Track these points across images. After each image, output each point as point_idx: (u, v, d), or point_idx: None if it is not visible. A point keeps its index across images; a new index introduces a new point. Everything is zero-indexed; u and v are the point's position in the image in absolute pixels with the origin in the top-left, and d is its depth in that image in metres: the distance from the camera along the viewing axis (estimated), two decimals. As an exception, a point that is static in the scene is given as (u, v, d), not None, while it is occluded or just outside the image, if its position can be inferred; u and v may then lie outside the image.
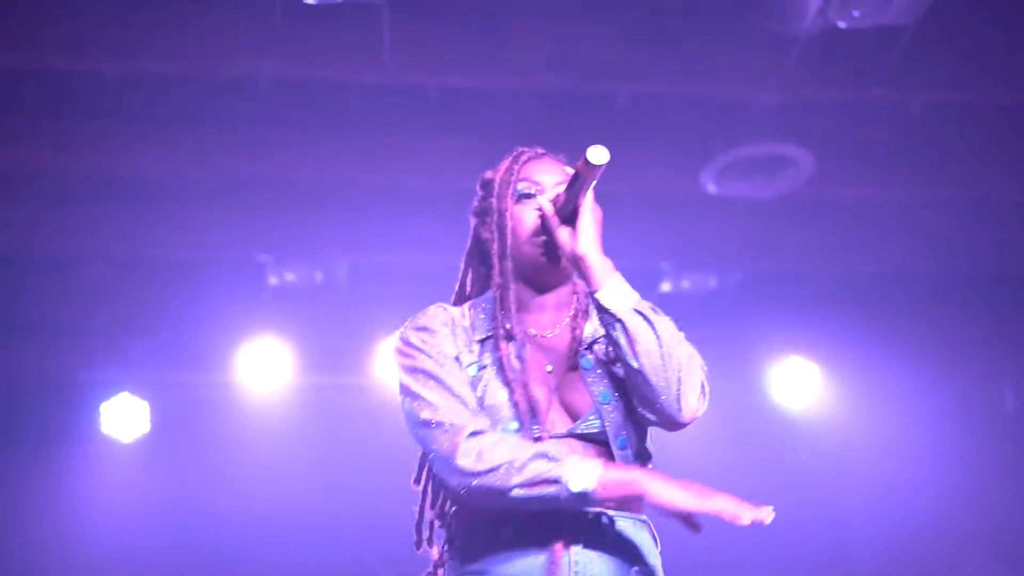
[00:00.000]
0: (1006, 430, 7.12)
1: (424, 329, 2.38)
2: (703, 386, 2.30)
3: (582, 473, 2.20)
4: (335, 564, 6.74)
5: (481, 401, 2.31)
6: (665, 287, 6.37)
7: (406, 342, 2.38)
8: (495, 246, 2.39)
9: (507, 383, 2.32)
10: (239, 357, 6.72)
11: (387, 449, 6.74)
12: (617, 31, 5.20)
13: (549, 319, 2.41)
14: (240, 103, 5.32)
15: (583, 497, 2.20)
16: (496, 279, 2.39)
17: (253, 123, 5.42)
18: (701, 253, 6.31)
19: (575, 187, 2.30)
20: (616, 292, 2.28)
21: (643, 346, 2.25)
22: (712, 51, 5.20)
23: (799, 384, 7.06)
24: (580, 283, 2.43)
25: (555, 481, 2.20)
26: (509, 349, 2.34)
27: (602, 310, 2.28)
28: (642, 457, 2.35)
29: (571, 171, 2.36)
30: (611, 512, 2.30)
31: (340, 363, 6.69)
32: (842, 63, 5.32)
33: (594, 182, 2.29)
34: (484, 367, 2.34)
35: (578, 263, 2.31)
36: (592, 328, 2.41)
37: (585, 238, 2.30)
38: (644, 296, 2.36)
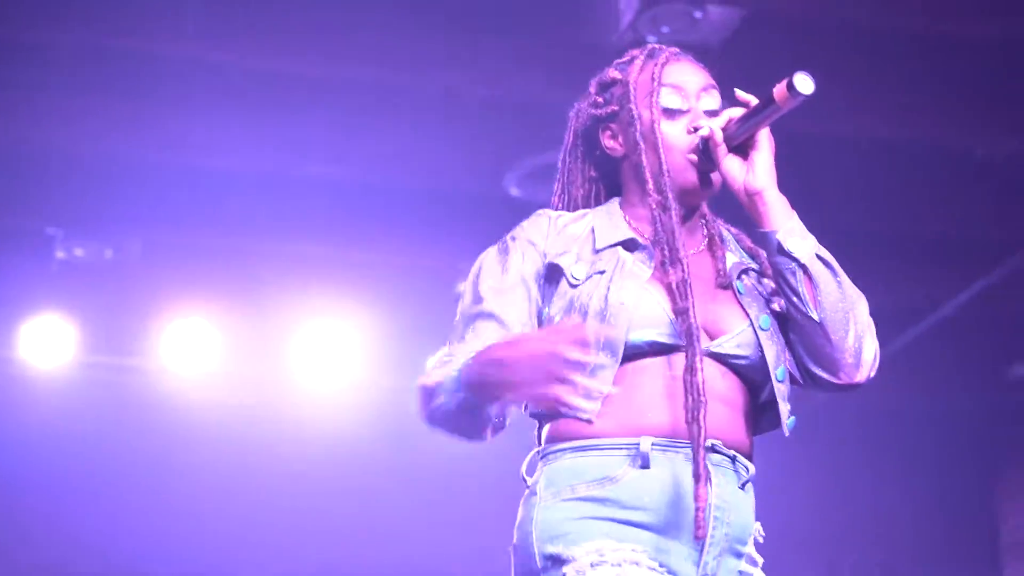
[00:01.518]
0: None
1: (504, 251, 2.20)
2: (876, 348, 2.14)
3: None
4: (111, 543, 6.70)
5: (604, 306, 2.06)
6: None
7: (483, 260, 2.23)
8: (646, 160, 2.16)
9: (646, 287, 2.10)
10: (21, 332, 6.51)
11: (167, 432, 6.76)
12: (431, 26, 5.16)
13: (686, 241, 2.17)
14: (32, 71, 5.13)
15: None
16: (654, 196, 2.14)
17: (45, 92, 5.24)
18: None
19: (759, 115, 2.13)
20: (798, 234, 2.11)
21: (826, 296, 2.10)
22: (520, 56, 5.19)
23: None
24: (709, 213, 2.28)
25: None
26: (679, 258, 2.10)
27: (782, 252, 2.10)
28: (792, 406, 2.14)
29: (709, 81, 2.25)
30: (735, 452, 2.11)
31: (126, 344, 6.54)
32: None
33: (776, 113, 2.12)
34: (602, 272, 2.11)
35: (752, 198, 2.13)
36: (736, 258, 2.22)
37: (763, 171, 2.13)
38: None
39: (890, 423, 7.17)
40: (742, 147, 2.14)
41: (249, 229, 5.96)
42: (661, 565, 2.00)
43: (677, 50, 2.27)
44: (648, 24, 4.88)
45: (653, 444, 2.02)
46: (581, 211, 2.25)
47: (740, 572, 2.08)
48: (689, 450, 2.00)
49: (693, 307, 2.04)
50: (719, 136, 2.13)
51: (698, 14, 4.83)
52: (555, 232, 2.18)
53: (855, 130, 5.56)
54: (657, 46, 2.28)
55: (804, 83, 2.04)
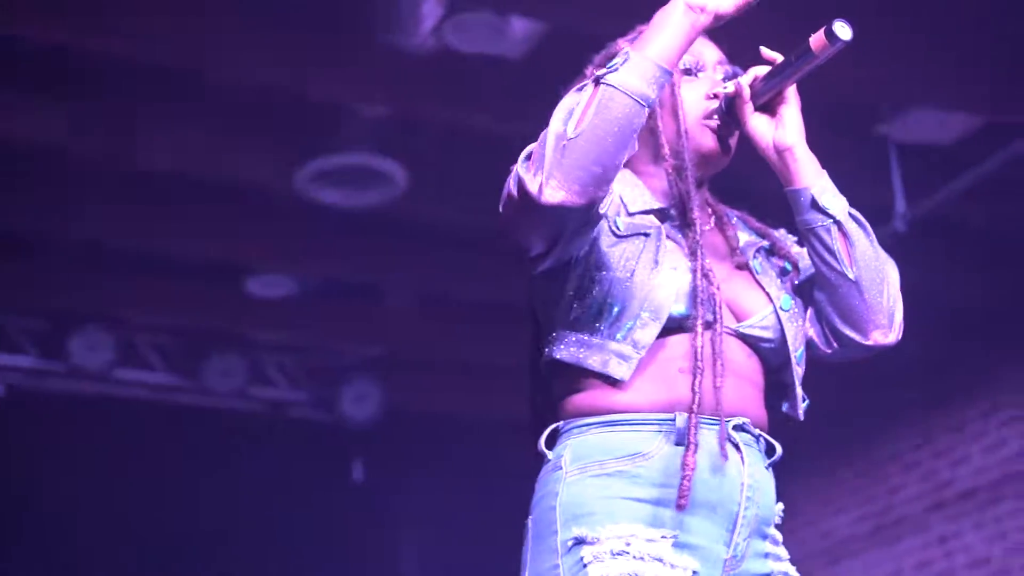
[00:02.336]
0: None
1: None
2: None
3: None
4: None
5: (654, 266, 1.97)
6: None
7: None
8: (662, 123, 2.05)
9: (675, 266, 1.99)
10: None
11: None
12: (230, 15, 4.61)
13: (701, 214, 2.09)
14: None
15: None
16: (670, 161, 2.05)
17: None
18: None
19: (791, 68, 2.03)
20: (831, 191, 2.03)
21: (861, 252, 2.02)
22: (316, 53, 4.66)
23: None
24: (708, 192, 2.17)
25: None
26: (696, 234, 2.01)
27: (816, 208, 2.02)
28: (807, 388, 2.09)
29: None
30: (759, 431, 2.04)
31: None
32: (451, 86, 4.85)
33: (820, 64, 2.00)
34: (645, 235, 1.99)
35: (782, 155, 2.04)
36: (747, 237, 2.15)
37: (792, 127, 2.04)
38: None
39: None
40: (768, 105, 2.06)
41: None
42: (689, 549, 1.92)
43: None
44: (451, 31, 4.91)
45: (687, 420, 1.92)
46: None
47: (766, 554, 2.02)
48: (716, 428, 1.94)
49: (711, 288, 1.98)
50: (747, 93, 2.05)
51: (501, 26, 4.92)
52: None
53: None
54: None
55: (843, 30, 1.96)
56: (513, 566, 2.02)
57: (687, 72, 2.12)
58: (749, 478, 1.99)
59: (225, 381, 6.92)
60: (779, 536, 2.07)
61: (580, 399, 2.01)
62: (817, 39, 1.98)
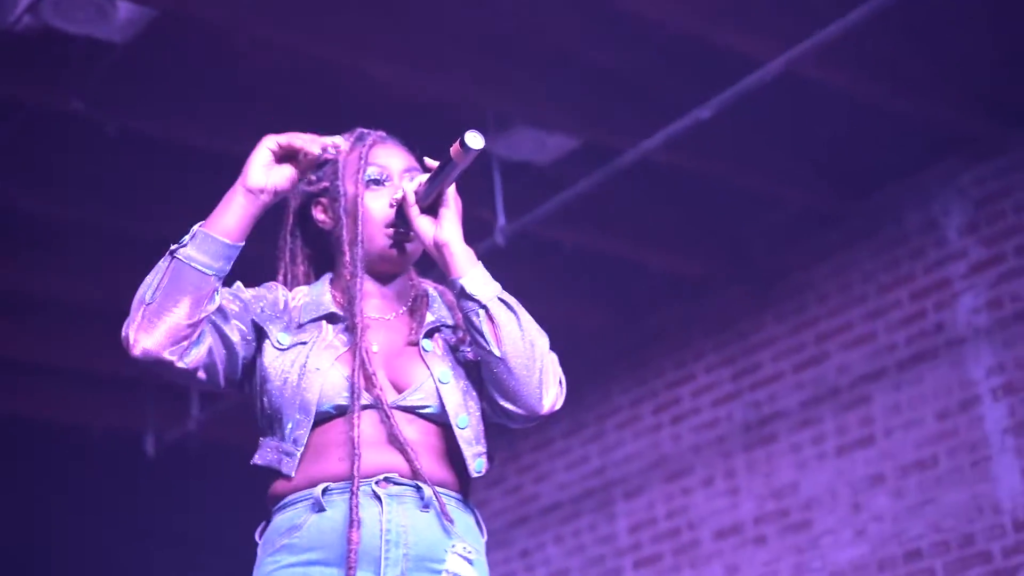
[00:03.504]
0: None
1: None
2: (561, 379, 2.33)
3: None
4: None
5: (302, 372, 2.28)
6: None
7: None
8: (345, 233, 2.35)
9: (340, 359, 2.29)
10: None
11: None
12: None
13: (387, 305, 2.40)
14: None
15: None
16: (347, 267, 2.34)
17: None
18: None
19: (443, 173, 2.27)
20: (480, 280, 2.26)
21: (507, 334, 2.24)
22: None
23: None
24: (416, 276, 2.48)
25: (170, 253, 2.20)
26: (356, 329, 2.30)
27: (465, 296, 2.26)
28: (482, 444, 2.35)
29: (410, 157, 2.41)
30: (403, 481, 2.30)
31: None
32: (46, 68, 4.70)
33: (460, 172, 2.25)
34: (304, 343, 2.32)
35: (440, 250, 2.28)
36: (433, 317, 2.40)
37: (449, 226, 2.27)
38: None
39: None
40: (432, 207, 2.28)
41: None
42: None
43: (384, 134, 2.44)
44: (51, 11, 4.68)
45: (325, 489, 2.23)
46: (301, 288, 2.42)
47: None
48: (364, 488, 2.22)
49: (360, 371, 2.24)
50: (411, 198, 2.29)
51: (107, 8, 4.74)
52: (272, 297, 2.38)
53: None
54: (365, 131, 2.43)
55: (474, 140, 2.19)
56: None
57: (375, 182, 2.38)
58: (388, 523, 2.24)
59: None
60: (461, 566, 2.29)
61: (270, 492, 2.33)
62: (455, 148, 2.22)
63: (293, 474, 2.28)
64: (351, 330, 2.32)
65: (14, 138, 5.29)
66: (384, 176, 2.39)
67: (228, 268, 2.23)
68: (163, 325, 2.17)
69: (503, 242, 5.28)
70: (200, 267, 2.19)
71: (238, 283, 2.38)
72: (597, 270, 6.71)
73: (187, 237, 2.20)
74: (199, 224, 2.22)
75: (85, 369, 7.00)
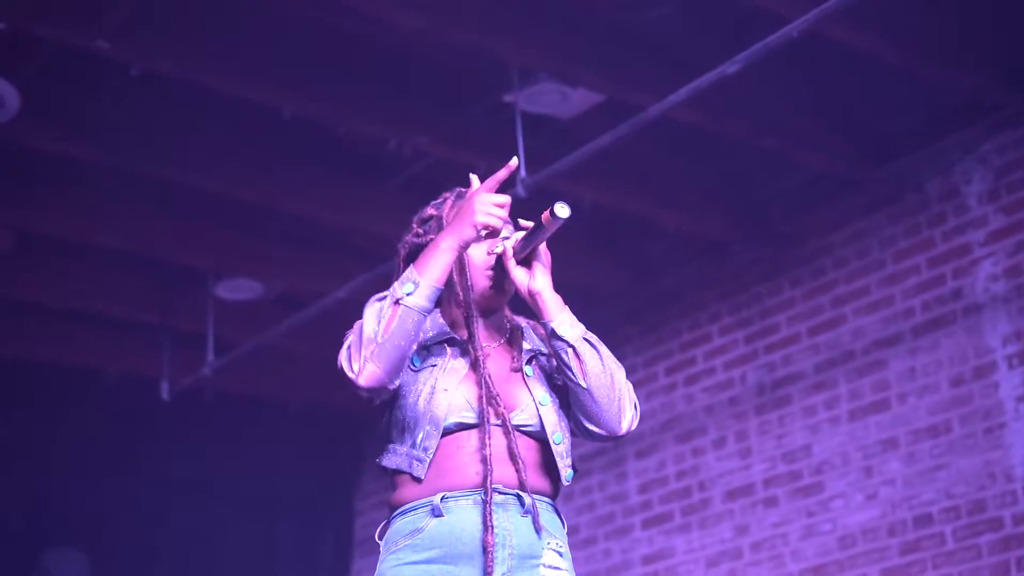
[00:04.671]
0: None
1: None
2: (636, 403, 2.77)
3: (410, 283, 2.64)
4: None
5: (432, 391, 2.70)
6: None
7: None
8: (458, 278, 2.78)
9: (463, 381, 2.71)
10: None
11: None
12: None
13: (490, 335, 2.81)
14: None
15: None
16: (463, 307, 2.79)
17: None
18: None
19: (536, 234, 2.69)
20: (569, 323, 2.71)
21: (591, 368, 2.69)
22: None
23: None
24: (509, 311, 2.89)
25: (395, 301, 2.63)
26: (479, 362, 2.72)
27: (556, 337, 2.70)
28: (570, 458, 2.76)
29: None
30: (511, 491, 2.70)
31: None
32: (68, 6, 4.73)
33: (552, 232, 2.66)
34: (435, 366, 2.73)
35: (534, 297, 2.72)
36: (530, 346, 2.82)
37: (541, 278, 2.73)
38: None
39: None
40: (526, 260, 2.74)
41: None
42: None
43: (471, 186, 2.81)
44: None
45: (443, 497, 2.65)
46: None
47: None
48: (473, 497, 2.66)
49: (486, 395, 2.69)
50: (510, 252, 2.74)
51: None
52: None
53: None
54: (463, 189, 2.86)
55: (562, 210, 2.62)
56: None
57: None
58: (498, 528, 2.64)
59: None
60: (560, 563, 2.72)
61: (394, 498, 2.73)
62: (545, 216, 2.63)
63: (423, 476, 2.68)
64: (467, 354, 2.75)
65: (36, 79, 5.30)
66: (484, 233, 2.72)
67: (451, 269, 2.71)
68: (394, 358, 2.61)
69: (524, 194, 5.28)
70: (420, 311, 2.62)
71: None
72: (614, 228, 6.71)
73: (409, 286, 2.63)
74: (414, 273, 2.64)
75: (101, 313, 7.03)
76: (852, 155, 6.13)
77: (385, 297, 2.66)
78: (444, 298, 2.82)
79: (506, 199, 2.67)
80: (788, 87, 5.70)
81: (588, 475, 7.14)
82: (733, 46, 4.97)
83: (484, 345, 2.78)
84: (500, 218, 2.66)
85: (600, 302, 7.04)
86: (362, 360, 2.61)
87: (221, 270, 6.74)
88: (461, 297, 2.80)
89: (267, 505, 8.04)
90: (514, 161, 2.69)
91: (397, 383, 2.68)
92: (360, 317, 2.67)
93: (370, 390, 2.64)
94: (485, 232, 2.69)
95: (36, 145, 5.65)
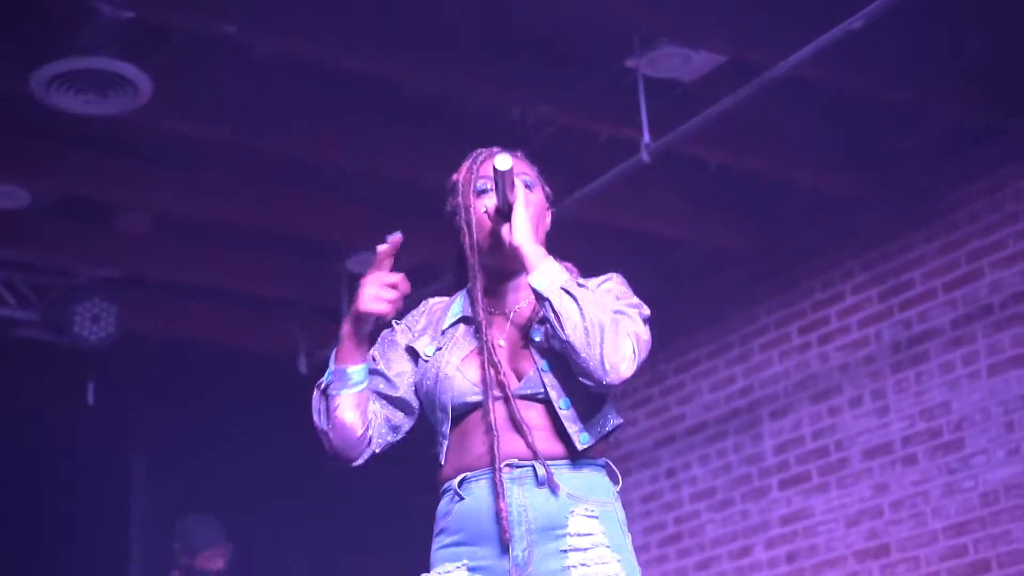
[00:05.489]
0: None
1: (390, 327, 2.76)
2: (633, 348, 2.54)
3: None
4: None
5: (436, 378, 2.64)
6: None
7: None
8: (465, 239, 2.66)
9: (468, 359, 2.64)
10: None
11: None
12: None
13: (509, 300, 2.69)
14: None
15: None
16: (468, 270, 2.67)
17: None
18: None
19: (498, 189, 2.60)
20: (545, 274, 2.54)
21: (569, 320, 2.50)
22: None
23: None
24: None
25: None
26: (481, 331, 2.62)
27: (535, 292, 2.55)
28: (589, 418, 2.61)
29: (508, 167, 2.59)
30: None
31: None
32: None
33: (510, 182, 2.58)
34: (440, 349, 2.67)
35: (515, 251, 2.58)
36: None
37: (517, 230, 2.58)
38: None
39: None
40: (509, 213, 2.61)
41: None
42: (480, 570, 2.58)
43: (497, 149, 2.71)
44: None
45: (462, 480, 2.60)
46: (459, 292, 2.77)
47: (562, 551, 2.56)
48: (488, 475, 2.57)
49: (488, 366, 2.60)
50: (491, 208, 2.64)
51: None
52: (422, 316, 2.78)
53: None
54: (481, 150, 2.75)
55: (501, 162, 2.56)
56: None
57: (483, 192, 2.68)
58: (510, 506, 2.56)
59: (-51, 298, 6.63)
60: (585, 524, 2.58)
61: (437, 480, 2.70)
62: (492, 169, 2.59)
63: (443, 461, 2.65)
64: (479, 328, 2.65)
65: (167, 64, 5.41)
66: (490, 186, 2.66)
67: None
68: (351, 437, 2.66)
69: (648, 160, 5.27)
70: (349, 392, 2.63)
71: (395, 322, 2.75)
72: (743, 189, 6.66)
73: (328, 375, 2.63)
74: (332, 360, 2.64)
75: (237, 291, 7.17)
76: (985, 105, 6.00)
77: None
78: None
79: (396, 278, 2.60)
80: (916, 39, 5.59)
81: (723, 437, 7.11)
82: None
83: (493, 312, 2.69)
84: (389, 301, 2.58)
85: (731, 264, 7.00)
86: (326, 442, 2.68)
87: (353, 244, 6.82)
88: (468, 260, 2.68)
89: (402, 472, 8.10)
90: (397, 235, 2.61)
91: (376, 440, 2.69)
92: None
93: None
94: (375, 315, 2.61)
95: (169, 128, 5.78)
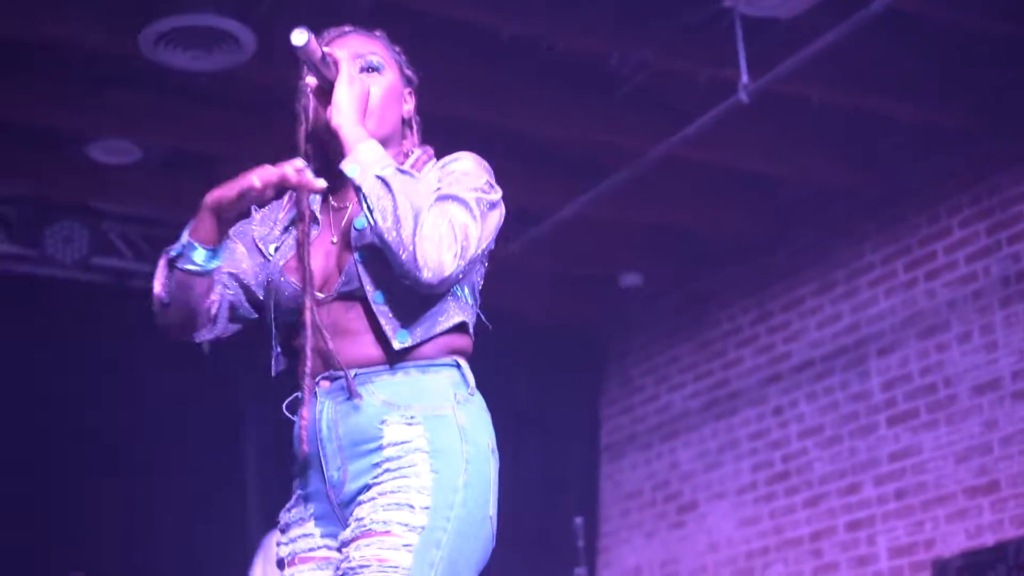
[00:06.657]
0: None
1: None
2: (456, 242, 2.25)
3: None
4: None
5: (266, 294, 2.43)
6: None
7: None
8: (300, 126, 2.44)
9: (285, 265, 2.41)
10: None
11: None
12: None
13: (352, 192, 2.38)
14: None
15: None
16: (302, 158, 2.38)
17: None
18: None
19: (311, 68, 2.38)
20: (359, 159, 2.28)
21: (379, 208, 2.23)
22: None
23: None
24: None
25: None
26: (301, 227, 2.40)
27: (350, 180, 2.29)
28: (419, 314, 2.33)
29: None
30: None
31: None
32: None
33: (332, 60, 2.37)
34: (280, 247, 2.45)
35: (335, 134, 2.33)
36: None
37: (336, 112, 2.33)
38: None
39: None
40: (329, 96, 2.36)
41: None
42: (307, 498, 2.39)
43: (348, 28, 2.55)
44: None
45: (295, 399, 2.40)
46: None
47: (375, 464, 2.30)
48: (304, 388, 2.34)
49: (307, 265, 2.37)
50: (313, 85, 2.40)
51: None
52: (282, 209, 2.53)
53: None
54: (333, 29, 2.55)
55: (297, 38, 2.30)
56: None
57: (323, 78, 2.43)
58: (321, 422, 2.36)
59: (67, 250, 6.78)
60: (402, 432, 2.32)
61: None
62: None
63: (273, 373, 2.50)
64: (316, 223, 2.47)
65: (266, 18, 5.43)
66: (335, 62, 2.43)
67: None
68: (180, 318, 2.47)
69: (747, 100, 5.25)
70: (195, 272, 2.40)
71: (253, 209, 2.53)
72: (846, 126, 6.60)
73: (178, 247, 2.40)
74: (184, 232, 2.42)
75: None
76: (1093, 34, 5.88)
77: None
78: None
79: (300, 164, 2.35)
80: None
81: (829, 374, 7.09)
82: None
83: (338, 207, 2.47)
84: (281, 178, 2.33)
85: (837, 199, 6.96)
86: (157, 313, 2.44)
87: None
88: (301, 148, 2.47)
89: (512, 418, 8.18)
90: (298, 161, 2.36)
91: (214, 332, 2.49)
92: None
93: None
94: (244, 194, 2.34)
95: (272, 82, 5.85)
